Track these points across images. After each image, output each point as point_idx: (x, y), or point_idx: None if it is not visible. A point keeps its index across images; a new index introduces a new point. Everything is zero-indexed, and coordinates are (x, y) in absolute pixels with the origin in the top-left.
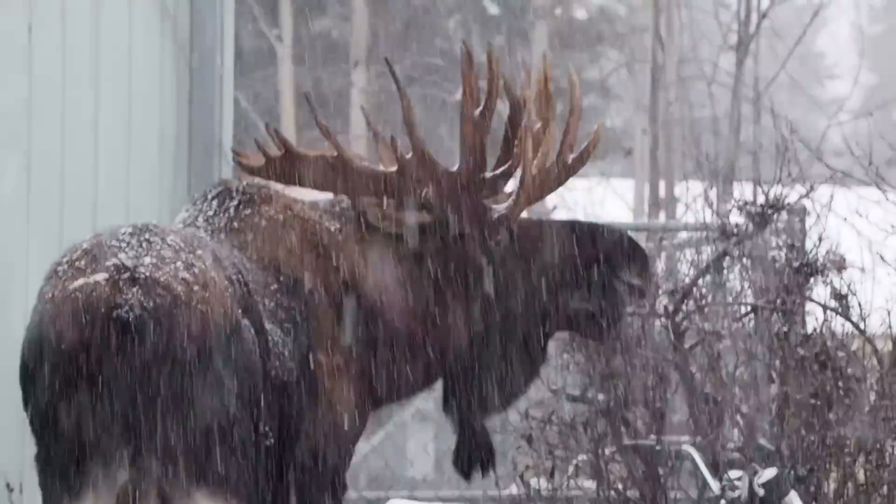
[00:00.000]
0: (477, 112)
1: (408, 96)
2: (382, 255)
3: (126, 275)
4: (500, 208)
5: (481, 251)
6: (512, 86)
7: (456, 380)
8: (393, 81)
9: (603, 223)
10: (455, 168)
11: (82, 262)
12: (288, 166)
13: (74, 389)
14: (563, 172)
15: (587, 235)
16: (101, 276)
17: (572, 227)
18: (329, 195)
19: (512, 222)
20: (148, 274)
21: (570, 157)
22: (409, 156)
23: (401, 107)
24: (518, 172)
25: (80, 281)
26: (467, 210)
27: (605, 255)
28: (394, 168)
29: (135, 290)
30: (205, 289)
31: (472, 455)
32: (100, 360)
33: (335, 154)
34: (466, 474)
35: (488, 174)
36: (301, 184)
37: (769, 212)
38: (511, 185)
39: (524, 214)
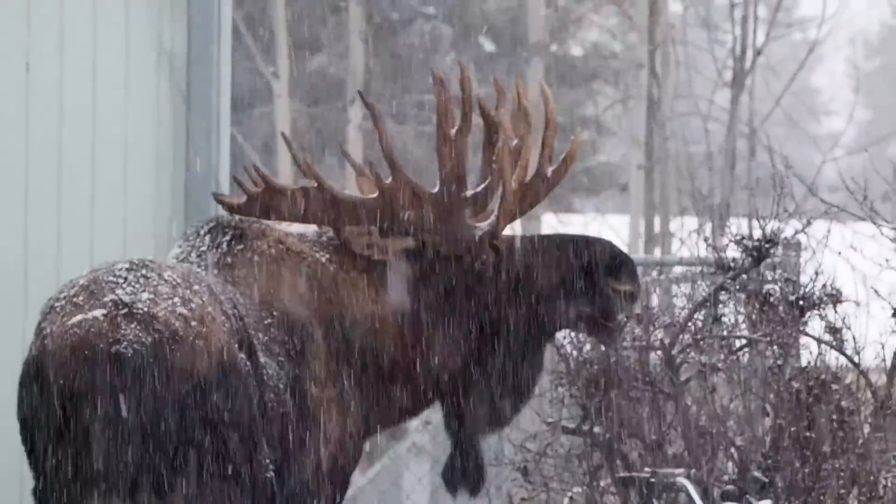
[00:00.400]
0: (452, 131)
1: (383, 125)
2: (372, 284)
3: (124, 311)
4: (482, 226)
5: (468, 270)
6: (485, 103)
7: (456, 398)
8: (371, 118)
9: (585, 234)
10: (436, 189)
11: (80, 298)
12: (269, 201)
13: (73, 425)
14: (544, 186)
15: (572, 247)
16: (99, 312)
17: (557, 240)
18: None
19: (496, 239)
20: (146, 310)
21: (549, 170)
22: (388, 181)
23: (377, 135)
24: (498, 189)
25: (79, 317)
26: (450, 230)
27: (592, 263)
28: (375, 194)
29: (133, 325)
30: (202, 324)
31: (465, 471)
32: (99, 396)
33: (316, 185)
34: (454, 488)
35: (468, 193)
36: (285, 218)
37: (765, 246)
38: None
39: (508, 231)
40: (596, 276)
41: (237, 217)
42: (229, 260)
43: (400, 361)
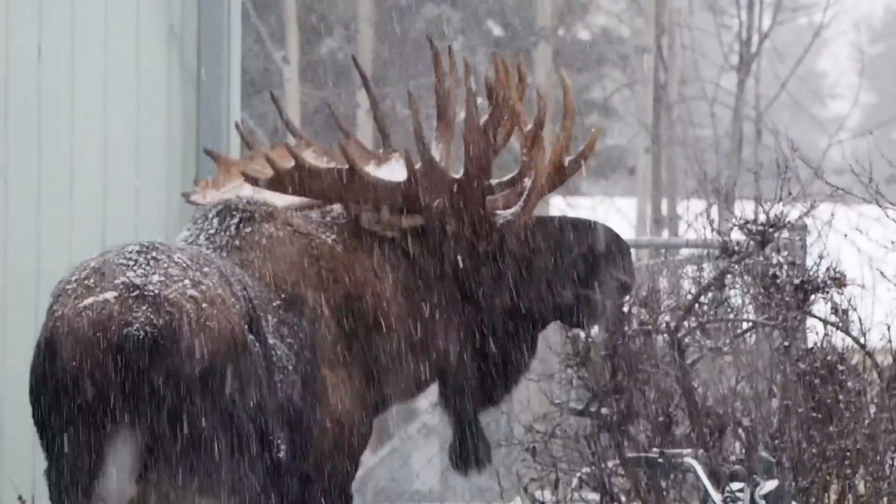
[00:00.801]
0: (481, 121)
1: (418, 108)
2: (378, 262)
3: (135, 293)
4: (505, 214)
5: (479, 253)
6: (512, 95)
7: (452, 376)
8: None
9: (586, 218)
10: (459, 175)
11: (91, 281)
12: (299, 179)
13: (84, 406)
14: (560, 175)
15: (572, 231)
16: (110, 295)
17: (558, 222)
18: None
19: (518, 227)
20: (157, 292)
21: (567, 160)
22: (418, 166)
23: (411, 120)
24: (526, 179)
25: (90, 299)
26: (471, 215)
27: (592, 249)
28: (404, 178)
29: (144, 307)
30: (212, 306)
31: (469, 450)
32: (110, 377)
33: (347, 167)
34: (463, 469)
35: (494, 181)
36: (311, 196)
37: (770, 230)
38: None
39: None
40: (594, 261)
41: (245, 199)
42: (238, 242)
43: (404, 338)
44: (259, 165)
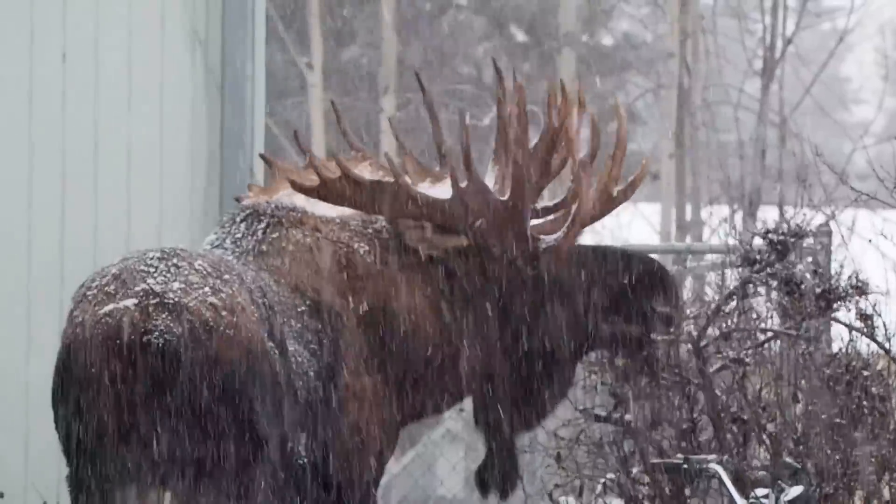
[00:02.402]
0: (531, 145)
1: (468, 127)
2: (415, 278)
3: (155, 300)
4: (548, 239)
5: (521, 277)
6: (577, 127)
7: (488, 397)
8: (427, 110)
9: (633, 249)
10: (506, 197)
11: (111, 287)
12: (343, 189)
13: (104, 413)
14: (608, 204)
15: (621, 262)
16: (130, 302)
17: (605, 253)
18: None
19: (561, 253)
20: (177, 299)
21: (615, 190)
22: (464, 184)
23: (460, 135)
24: (572, 206)
25: (110, 306)
26: (514, 239)
27: (638, 281)
28: (448, 195)
29: (164, 315)
30: (232, 313)
31: (498, 472)
32: (129, 385)
33: (392, 180)
34: (486, 491)
35: (540, 206)
36: (355, 206)
37: (792, 241)
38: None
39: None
40: (638, 293)
41: (273, 205)
42: (264, 247)
43: (436, 356)
44: (311, 173)
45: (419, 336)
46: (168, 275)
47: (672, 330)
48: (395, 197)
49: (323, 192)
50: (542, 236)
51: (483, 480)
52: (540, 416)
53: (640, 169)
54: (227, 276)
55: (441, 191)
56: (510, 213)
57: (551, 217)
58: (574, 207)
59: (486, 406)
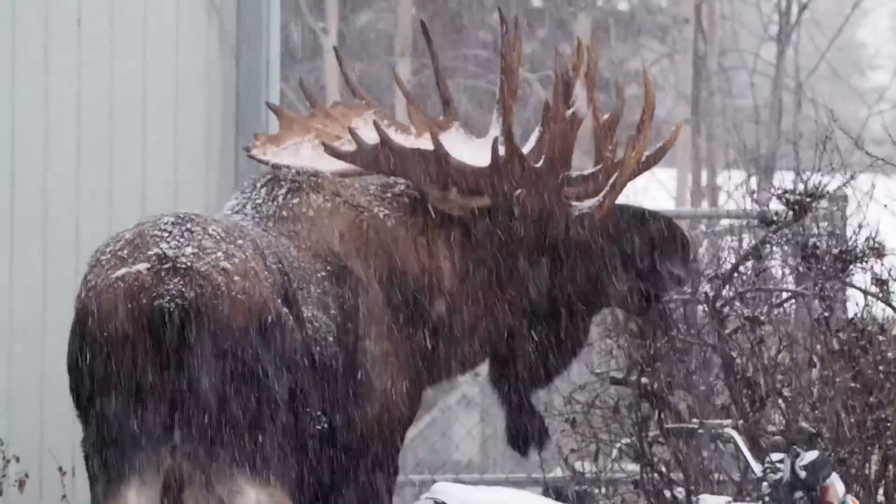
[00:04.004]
0: (568, 112)
1: (509, 100)
2: (436, 241)
3: (167, 265)
4: (582, 206)
5: (548, 240)
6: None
7: (505, 355)
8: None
9: (652, 209)
10: (540, 164)
11: (125, 252)
12: (383, 157)
13: (117, 377)
14: (636, 169)
15: (639, 221)
16: (142, 266)
17: (623, 211)
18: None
19: (592, 220)
20: (189, 264)
21: (644, 155)
22: (502, 153)
23: (498, 107)
24: (607, 174)
25: (123, 270)
26: (548, 205)
27: (654, 241)
28: (487, 163)
29: (176, 280)
30: (244, 278)
31: (527, 429)
32: (141, 349)
33: (433, 149)
34: (524, 449)
35: (574, 173)
36: (392, 174)
37: (808, 201)
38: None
39: None
40: (654, 252)
41: (294, 170)
42: (284, 213)
43: (457, 315)
44: (327, 128)
45: (440, 298)
46: (181, 239)
47: (686, 288)
48: (438, 166)
49: (359, 158)
50: (574, 203)
51: (516, 439)
52: (556, 371)
53: (671, 135)
54: (240, 242)
55: (471, 154)
56: (548, 181)
57: (582, 184)
58: (615, 175)
59: (504, 365)
